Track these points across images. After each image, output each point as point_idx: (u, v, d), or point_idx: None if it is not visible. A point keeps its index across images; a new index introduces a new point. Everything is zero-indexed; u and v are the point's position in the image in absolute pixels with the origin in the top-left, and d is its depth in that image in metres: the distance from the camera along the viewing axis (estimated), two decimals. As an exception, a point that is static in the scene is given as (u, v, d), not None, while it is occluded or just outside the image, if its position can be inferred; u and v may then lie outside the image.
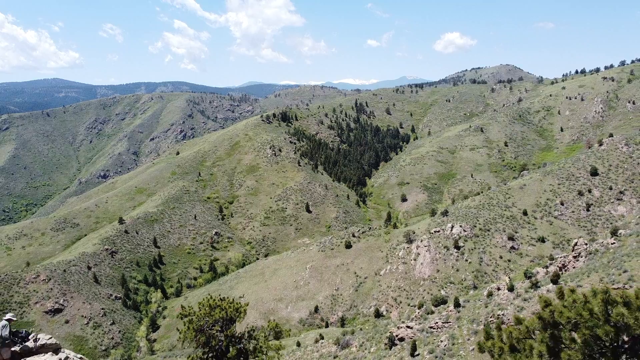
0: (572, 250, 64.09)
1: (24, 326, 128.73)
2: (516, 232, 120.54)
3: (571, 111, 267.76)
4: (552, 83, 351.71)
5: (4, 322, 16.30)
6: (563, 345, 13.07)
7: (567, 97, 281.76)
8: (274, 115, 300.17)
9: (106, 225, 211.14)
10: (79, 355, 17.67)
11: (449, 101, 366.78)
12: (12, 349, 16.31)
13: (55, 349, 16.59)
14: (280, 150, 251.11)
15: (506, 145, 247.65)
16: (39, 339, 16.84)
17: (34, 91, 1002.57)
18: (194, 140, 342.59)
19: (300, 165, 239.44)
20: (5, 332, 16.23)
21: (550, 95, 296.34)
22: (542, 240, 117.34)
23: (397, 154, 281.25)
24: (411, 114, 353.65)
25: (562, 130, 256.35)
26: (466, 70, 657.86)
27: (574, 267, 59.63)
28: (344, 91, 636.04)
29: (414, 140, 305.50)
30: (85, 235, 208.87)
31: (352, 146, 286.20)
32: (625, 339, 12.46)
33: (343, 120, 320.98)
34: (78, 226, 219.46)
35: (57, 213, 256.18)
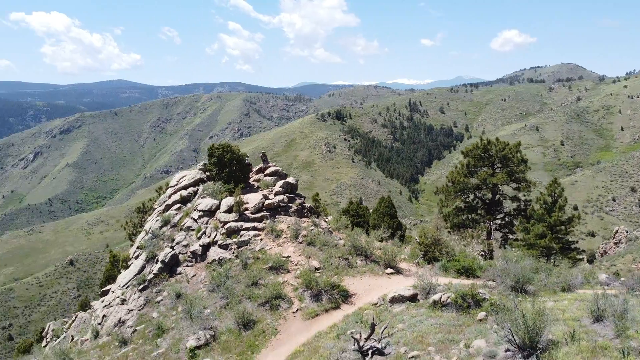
0: (613, 238, 67.96)
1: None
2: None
3: (633, 110, 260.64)
4: (614, 82, 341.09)
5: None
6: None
7: (629, 96, 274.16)
8: (329, 113, 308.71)
9: None
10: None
11: (505, 100, 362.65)
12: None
13: (282, 175, 24.58)
14: (334, 147, 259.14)
15: (562, 145, 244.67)
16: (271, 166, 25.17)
17: (100, 92, 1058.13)
18: (252, 137, 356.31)
19: (353, 162, 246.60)
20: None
21: (611, 94, 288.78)
22: (592, 234, 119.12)
23: (450, 152, 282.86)
24: (465, 113, 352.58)
25: (622, 129, 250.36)
26: (524, 69, 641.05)
27: (613, 252, 63.62)
28: (397, 91, 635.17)
29: (468, 139, 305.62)
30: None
31: (405, 144, 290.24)
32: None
33: (396, 119, 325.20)
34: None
35: (129, 202, 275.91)
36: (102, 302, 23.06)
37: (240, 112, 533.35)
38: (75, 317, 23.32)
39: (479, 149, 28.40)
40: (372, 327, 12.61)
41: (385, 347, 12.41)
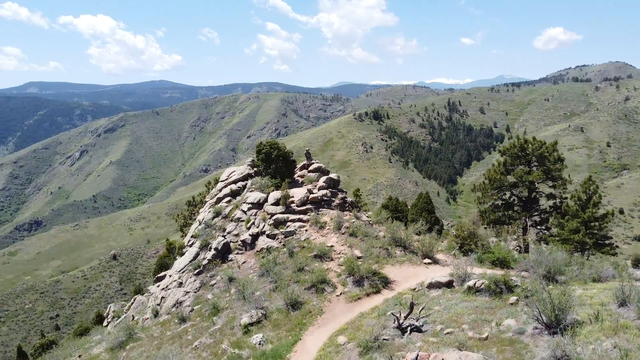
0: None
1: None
2: (611, 230, 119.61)
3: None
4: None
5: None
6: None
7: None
8: (366, 113, 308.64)
9: None
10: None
11: (548, 100, 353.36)
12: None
13: (325, 171, 26.24)
14: (371, 147, 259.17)
15: (608, 146, 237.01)
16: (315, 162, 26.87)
17: (143, 92, 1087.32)
18: (289, 137, 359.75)
19: (391, 162, 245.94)
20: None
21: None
22: (638, 239, 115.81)
23: (490, 153, 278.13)
24: (506, 114, 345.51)
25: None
26: (569, 68, 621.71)
27: (661, 253, 62.34)
28: (436, 91, 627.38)
29: (508, 139, 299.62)
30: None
31: (444, 145, 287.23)
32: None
33: (435, 119, 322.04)
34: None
35: (170, 200, 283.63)
36: (158, 286, 25.05)
37: (277, 112, 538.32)
38: (134, 300, 25.41)
39: (515, 147, 29.14)
40: (411, 306, 13.88)
41: (422, 325, 13.65)
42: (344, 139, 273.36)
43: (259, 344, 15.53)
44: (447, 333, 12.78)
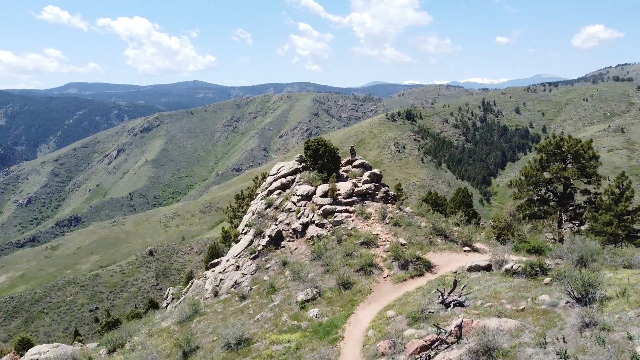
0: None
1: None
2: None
3: None
4: None
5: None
6: None
7: None
8: (399, 113, 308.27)
9: None
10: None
11: (586, 100, 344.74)
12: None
13: (368, 167, 28.01)
14: (404, 147, 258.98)
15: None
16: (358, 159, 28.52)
17: (177, 92, 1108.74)
18: (321, 136, 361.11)
19: (423, 162, 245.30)
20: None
21: None
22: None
23: (525, 154, 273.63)
24: (543, 114, 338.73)
25: None
26: (610, 67, 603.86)
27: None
28: (470, 90, 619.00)
29: (544, 140, 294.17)
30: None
31: (478, 145, 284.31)
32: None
33: (469, 119, 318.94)
34: (221, 210, 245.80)
35: (203, 198, 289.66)
36: (213, 271, 27.34)
37: (309, 112, 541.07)
38: (192, 283, 27.76)
39: (551, 145, 30.30)
40: (455, 283, 15.58)
41: (464, 301, 15.32)
42: (376, 139, 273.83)
43: (316, 317, 17.48)
44: (487, 306, 14.42)
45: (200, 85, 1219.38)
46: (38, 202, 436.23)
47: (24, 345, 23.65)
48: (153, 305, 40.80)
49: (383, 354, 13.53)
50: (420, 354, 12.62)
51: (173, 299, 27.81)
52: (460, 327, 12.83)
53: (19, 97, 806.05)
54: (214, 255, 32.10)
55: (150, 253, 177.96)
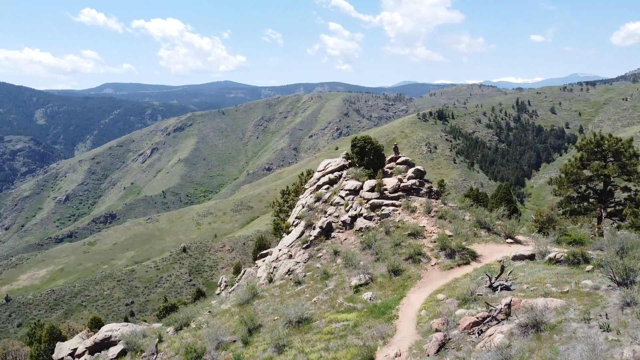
0: None
1: (212, 286, 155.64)
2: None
3: None
4: None
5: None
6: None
7: None
8: (430, 113, 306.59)
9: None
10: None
11: (626, 100, 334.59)
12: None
13: (411, 164, 29.55)
14: (435, 148, 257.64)
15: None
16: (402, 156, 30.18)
17: (209, 92, 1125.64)
18: (352, 136, 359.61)
19: (455, 163, 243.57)
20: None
21: None
22: None
23: (561, 155, 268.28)
24: (579, 114, 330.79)
25: None
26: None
27: None
28: (503, 90, 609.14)
29: (581, 140, 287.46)
30: (258, 217, 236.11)
31: (511, 146, 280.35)
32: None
33: (502, 119, 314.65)
34: (252, 209, 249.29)
35: (234, 197, 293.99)
36: (264, 261, 29.20)
37: (339, 112, 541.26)
38: (244, 272, 29.67)
39: (592, 143, 31.07)
40: (502, 269, 16.92)
41: (511, 285, 16.63)
42: (407, 139, 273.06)
43: (370, 299, 19.05)
44: (533, 289, 15.72)
45: (231, 86, 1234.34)
46: (75, 199, 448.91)
47: (96, 324, 25.88)
48: (201, 294, 43.00)
49: (437, 330, 14.98)
50: (473, 329, 14.05)
51: (227, 286, 29.74)
52: (509, 305, 14.20)
53: (58, 98, 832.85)
54: (261, 246, 34.06)
55: (184, 250, 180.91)
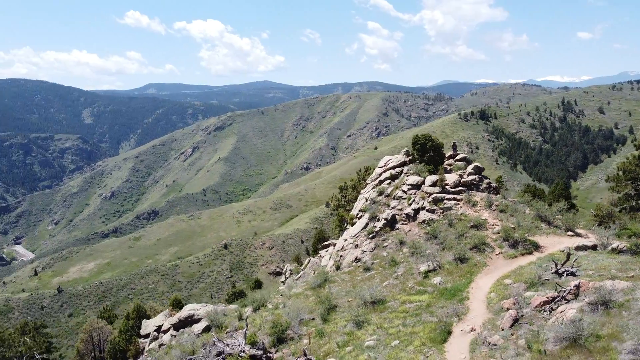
0: None
1: (252, 282, 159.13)
2: None
3: None
4: None
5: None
6: None
7: None
8: (472, 113, 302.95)
9: (314, 207, 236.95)
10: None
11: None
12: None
13: (469, 161, 30.87)
14: (477, 148, 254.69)
15: None
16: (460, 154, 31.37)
17: (248, 92, 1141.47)
18: (391, 136, 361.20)
19: (497, 164, 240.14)
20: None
21: None
22: None
23: (609, 156, 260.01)
24: (630, 114, 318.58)
25: None
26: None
27: None
28: (548, 89, 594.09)
29: (632, 142, 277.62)
30: (297, 215, 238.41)
31: (556, 146, 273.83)
32: None
33: (547, 119, 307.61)
34: (291, 207, 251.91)
35: (274, 195, 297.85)
36: (326, 251, 31.15)
37: (378, 112, 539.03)
38: (309, 261, 31.73)
39: (651, 141, 31.74)
40: (568, 256, 18.26)
41: (576, 272, 17.94)
42: (448, 139, 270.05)
43: (439, 283, 20.69)
44: (599, 275, 17.01)
45: (270, 85, 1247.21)
46: (120, 195, 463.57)
47: (177, 304, 28.37)
48: (258, 283, 45.31)
49: (508, 309, 16.50)
50: (544, 307, 15.52)
51: (292, 274, 31.84)
52: (577, 286, 15.61)
53: (104, 98, 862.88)
54: (320, 239, 36.04)
55: (225, 246, 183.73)
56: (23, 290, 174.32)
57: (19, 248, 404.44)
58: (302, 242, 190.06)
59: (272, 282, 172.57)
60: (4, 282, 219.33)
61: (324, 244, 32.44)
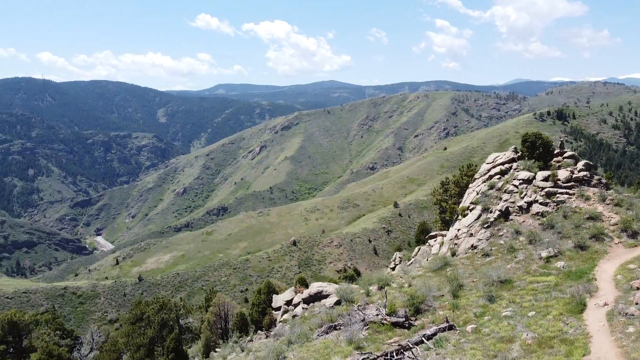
0: None
1: (319, 279, 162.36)
2: None
3: None
4: None
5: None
6: None
7: None
8: (548, 113, 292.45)
9: (381, 207, 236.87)
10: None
11: None
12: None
13: (577, 158, 33.26)
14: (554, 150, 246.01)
15: None
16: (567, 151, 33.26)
17: (314, 92, 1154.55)
18: (460, 137, 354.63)
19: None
20: None
21: None
22: None
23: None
24: None
25: None
26: None
27: None
28: (632, 87, 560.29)
29: None
30: (364, 214, 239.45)
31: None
32: None
33: (632, 119, 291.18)
34: (358, 206, 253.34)
35: (341, 195, 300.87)
36: (435, 240, 33.64)
37: (447, 111, 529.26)
38: (418, 250, 34.39)
39: None
40: (695, 244, 19.84)
41: (703, 258, 19.51)
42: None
43: (562, 267, 22.70)
44: None
45: (336, 85, 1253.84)
46: (192, 192, 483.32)
47: (302, 282, 31.84)
48: (357, 272, 48.26)
49: (638, 289, 18.41)
50: (677, 285, 17.38)
51: (401, 261, 34.57)
52: None
53: (177, 98, 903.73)
54: (423, 231, 38.56)
55: (294, 243, 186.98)
56: (106, 278, 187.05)
57: (99, 239, 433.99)
58: (369, 241, 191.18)
59: (340, 280, 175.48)
60: (89, 270, 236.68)
61: (431, 234, 34.93)
